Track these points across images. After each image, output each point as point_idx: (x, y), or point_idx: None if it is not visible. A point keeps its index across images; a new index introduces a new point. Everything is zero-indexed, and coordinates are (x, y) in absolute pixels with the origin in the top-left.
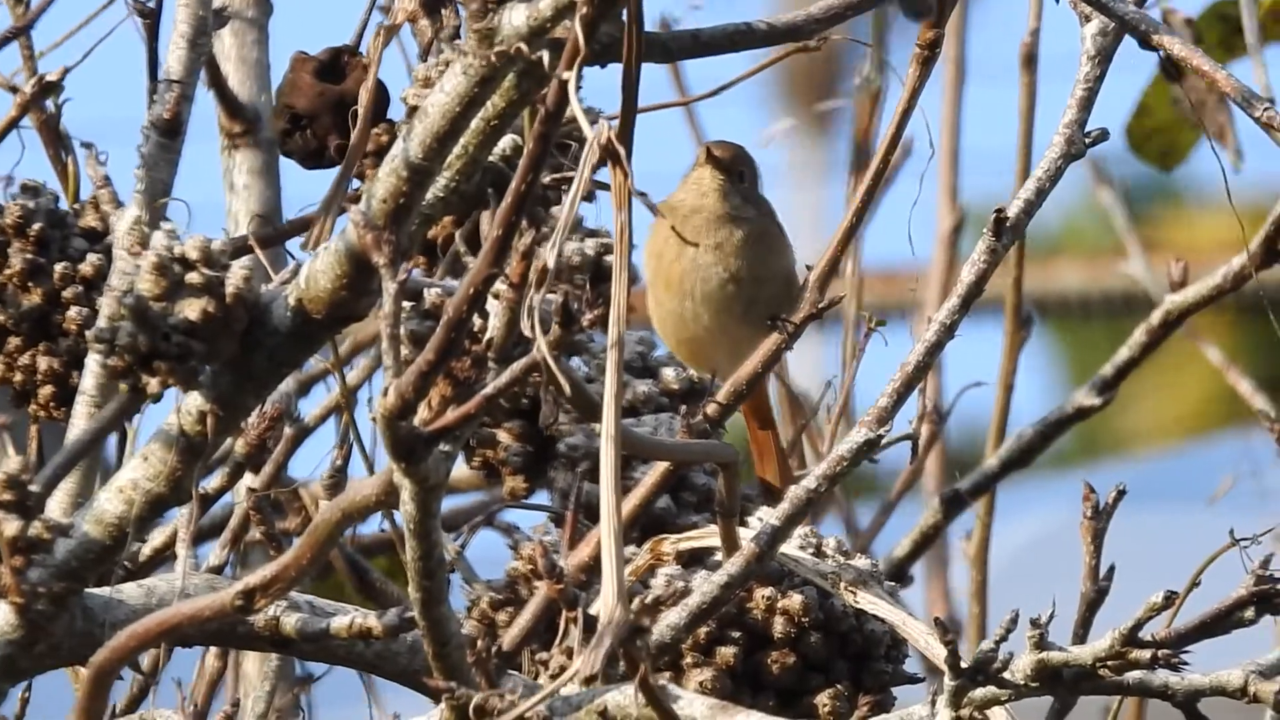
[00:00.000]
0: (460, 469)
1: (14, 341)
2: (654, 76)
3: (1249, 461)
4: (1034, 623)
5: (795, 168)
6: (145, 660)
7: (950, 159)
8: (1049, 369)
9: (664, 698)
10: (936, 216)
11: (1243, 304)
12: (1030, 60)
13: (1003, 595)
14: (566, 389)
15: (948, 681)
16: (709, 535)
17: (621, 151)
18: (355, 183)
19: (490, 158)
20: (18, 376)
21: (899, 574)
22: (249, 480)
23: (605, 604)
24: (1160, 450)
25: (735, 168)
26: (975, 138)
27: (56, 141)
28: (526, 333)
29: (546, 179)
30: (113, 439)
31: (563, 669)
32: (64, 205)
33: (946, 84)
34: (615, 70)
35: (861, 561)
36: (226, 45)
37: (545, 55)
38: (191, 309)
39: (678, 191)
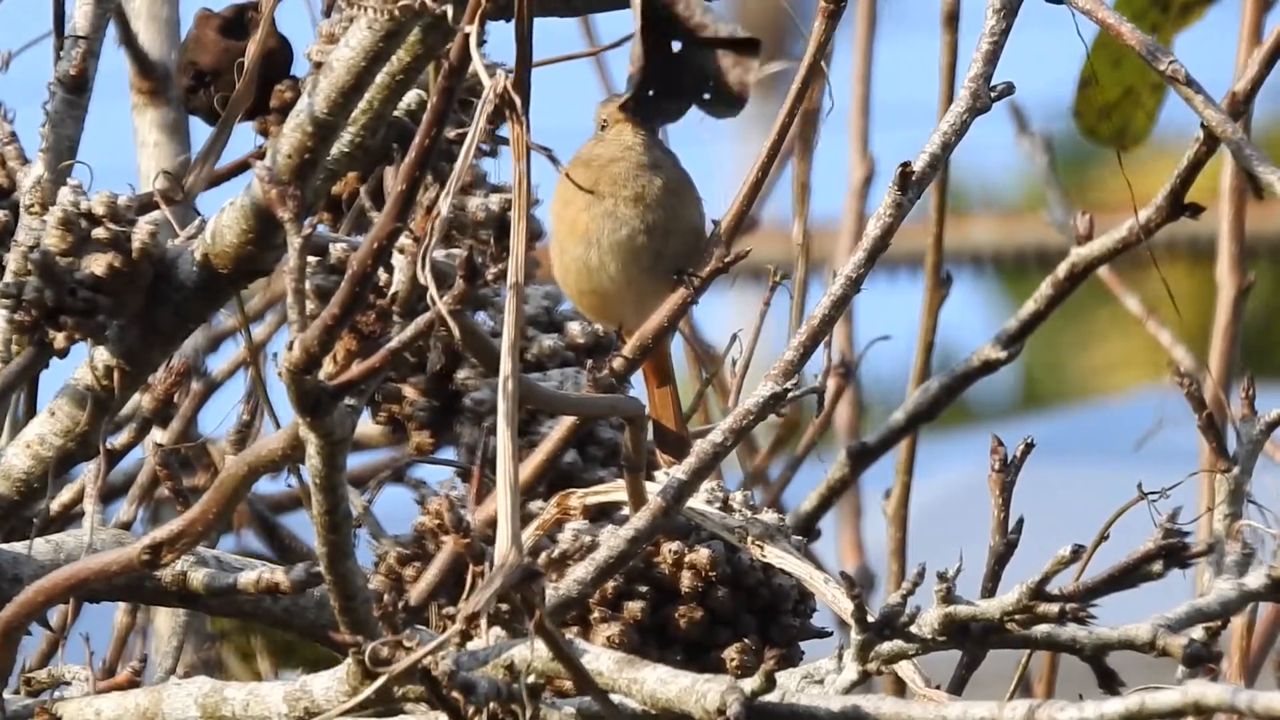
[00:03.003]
0: (367, 425)
1: None
2: (566, 31)
3: (1164, 415)
4: (941, 576)
5: (740, 120)
6: (54, 616)
7: (861, 111)
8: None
9: (561, 640)
10: (848, 169)
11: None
12: (952, 19)
13: (920, 548)
14: (465, 344)
15: (854, 635)
16: (616, 490)
17: (517, 101)
18: (260, 139)
19: (395, 113)
20: None
21: (807, 528)
22: (157, 435)
23: (499, 548)
24: (1099, 401)
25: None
26: (893, 91)
27: None
28: (425, 285)
29: (450, 134)
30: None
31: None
32: None
33: (857, 35)
34: None
35: (769, 516)
36: (137, 3)
37: (449, 9)
38: (97, 264)
39: (594, 145)
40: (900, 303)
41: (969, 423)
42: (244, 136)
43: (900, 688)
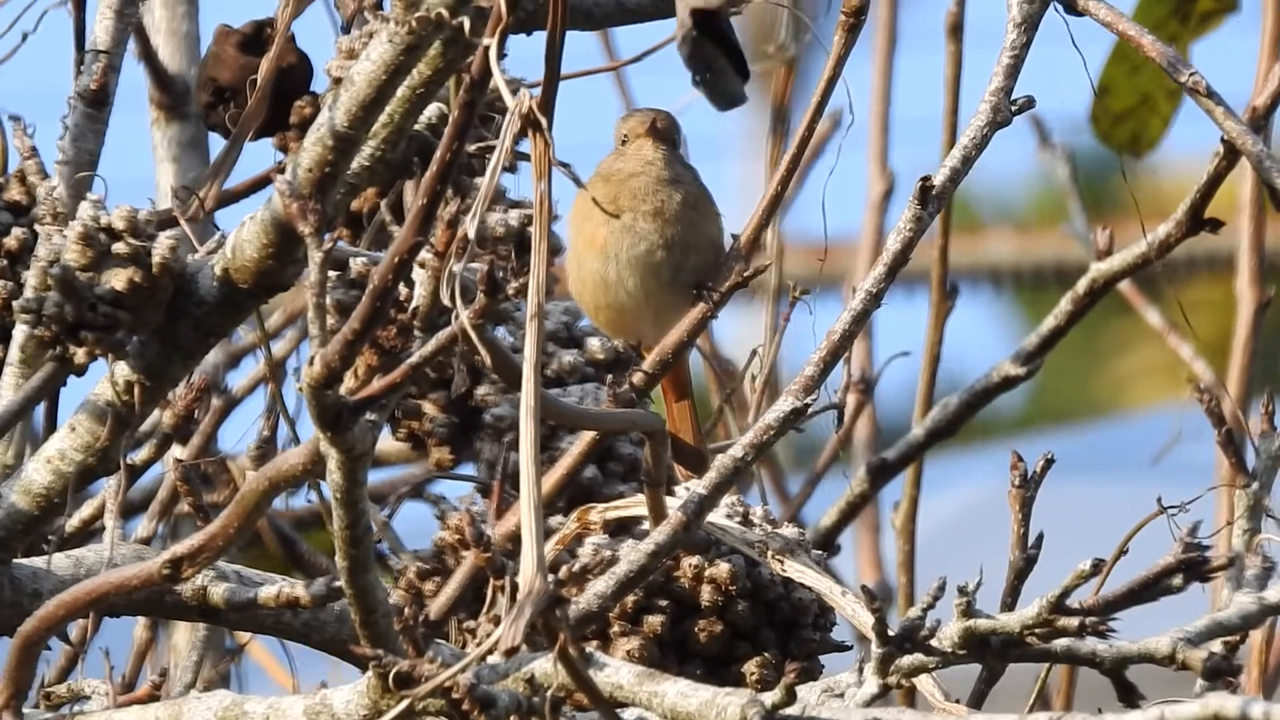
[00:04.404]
0: (387, 441)
1: None
2: (584, 45)
3: (1183, 429)
4: (961, 590)
5: (745, 136)
6: (73, 631)
7: (881, 126)
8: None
9: (583, 667)
10: (867, 184)
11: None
12: (956, 29)
13: (938, 563)
14: (488, 358)
15: (875, 649)
16: (636, 504)
17: (542, 120)
18: (279, 155)
19: (415, 127)
20: None
21: (827, 543)
22: (177, 451)
23: (525, 575)
24: (1117, 416)
25: (672, 137)
26: (911, 106)
27: None
28: (446, 302)
29: (471, 148)
30: (40, 409)
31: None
32: None
33: (877, 51)
34: (542, 38)
35: (789, 530)
36: (157, 17)
37: (466, 21)
38: (118, 279)
39: (615, 160)
40: (916, 319)
41: (986, 438)
42: (264, 152)
43: (914, 704)
